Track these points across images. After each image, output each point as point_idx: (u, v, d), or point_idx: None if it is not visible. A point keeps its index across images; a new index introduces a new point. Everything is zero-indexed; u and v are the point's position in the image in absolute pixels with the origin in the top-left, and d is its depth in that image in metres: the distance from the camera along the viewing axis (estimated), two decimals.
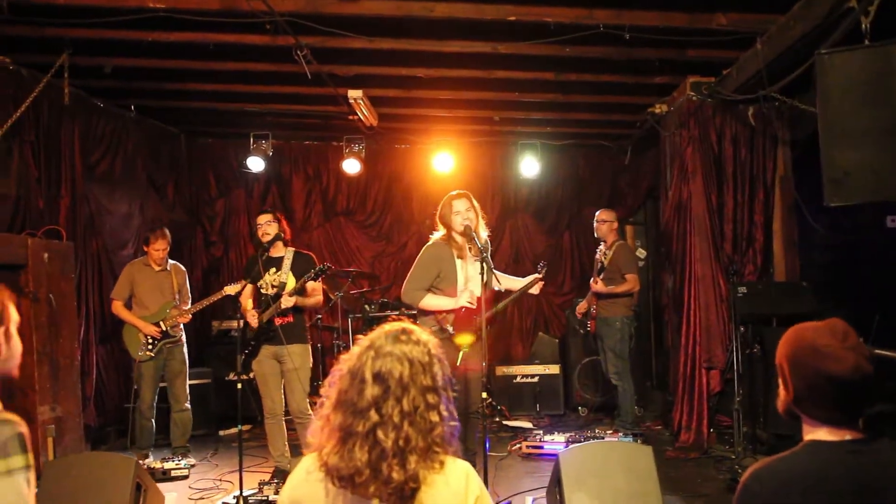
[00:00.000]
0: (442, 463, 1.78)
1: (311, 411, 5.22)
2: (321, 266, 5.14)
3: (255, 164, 7.92)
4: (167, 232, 6.34)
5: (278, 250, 5.42)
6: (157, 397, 6.22)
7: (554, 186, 9.09)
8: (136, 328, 6.09)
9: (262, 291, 5.31)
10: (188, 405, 6.31)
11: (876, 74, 3.71)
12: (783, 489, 1.70)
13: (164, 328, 6.13)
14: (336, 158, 8.52)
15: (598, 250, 6.92)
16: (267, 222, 5.36)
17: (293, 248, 5.49)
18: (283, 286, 5.24)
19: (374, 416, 1.73)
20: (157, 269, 6.28)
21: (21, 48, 5.61)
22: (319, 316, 7.74)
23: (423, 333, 1.88)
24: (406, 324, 1.89)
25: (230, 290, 6.29)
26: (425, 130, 8.35)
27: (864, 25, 3.91)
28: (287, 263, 5.34)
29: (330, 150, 8.83)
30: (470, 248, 4.68)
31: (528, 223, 9.27)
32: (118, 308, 6.17)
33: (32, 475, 1.72)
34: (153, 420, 6.20)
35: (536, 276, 4.82)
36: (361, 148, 8.00)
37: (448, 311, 4.56)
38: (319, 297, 5.46)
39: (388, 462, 1.70)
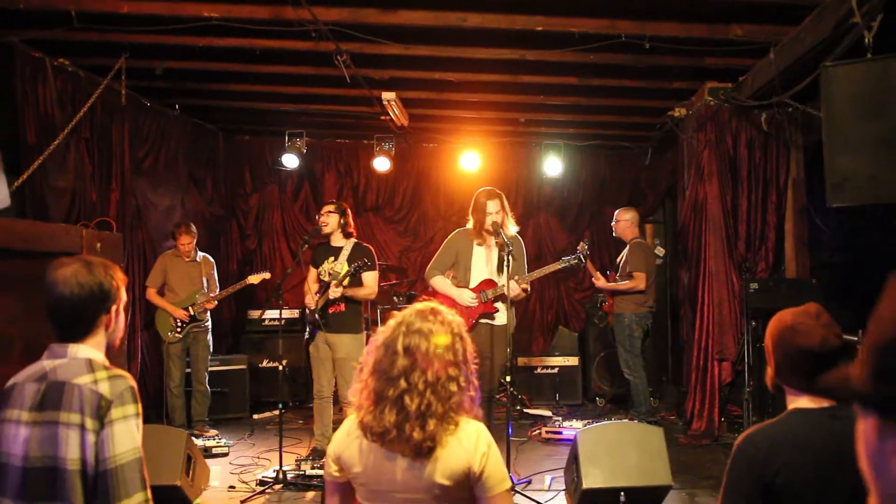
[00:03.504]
0: (457, 424, 2.02)
1: None
2: (359, 263, 5.31)
3: (290, 160, 8.24)
4: (193, 227, 6.80)
5: (338, 240, 5.66)
6: (184, 377, 6.69)
7: (576, 186, 9.33)
8: (168, 312, 6.59)
9: (322, 278, 5.60)
10: (207, 386, 6.82)
11: (876, 86, 3.97)
12: (774, 450, 1.96)
13: (192, 313, 6.63)
14: (367, 156, 8.85)
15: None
16: (327, 212, 5.64)
17: (354, 240, 5.69)
18: (337, 276, 5.46)
19: (402, 383, 1.98)
20: (187, 260, 6.76)
21: (78, 51, 5.97)
22: None
23: (448, 314, 2.12)
24: (434, 304, 2.14)
25: (253, 279, 6.77)
26: (453, 130, 8.61)
27: (867, 39, 4.17)
28: (344, 254, 5.57)
29: (361, 148, 9.16)
30: (496, 241, 5.09)
31: (551, 221, 9.53)
32: (151, 295, 6.66)
33: (141, 422, 2.05)
34: (183, 398, 6.68)
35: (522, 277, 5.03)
36: (391, 146, 8.32)
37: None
38: (371, 290, 5.60)
39: (411, 423, 1.94)
